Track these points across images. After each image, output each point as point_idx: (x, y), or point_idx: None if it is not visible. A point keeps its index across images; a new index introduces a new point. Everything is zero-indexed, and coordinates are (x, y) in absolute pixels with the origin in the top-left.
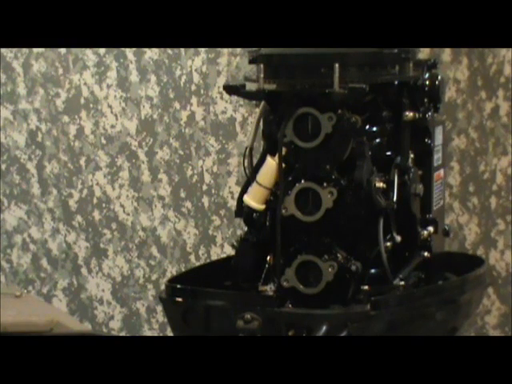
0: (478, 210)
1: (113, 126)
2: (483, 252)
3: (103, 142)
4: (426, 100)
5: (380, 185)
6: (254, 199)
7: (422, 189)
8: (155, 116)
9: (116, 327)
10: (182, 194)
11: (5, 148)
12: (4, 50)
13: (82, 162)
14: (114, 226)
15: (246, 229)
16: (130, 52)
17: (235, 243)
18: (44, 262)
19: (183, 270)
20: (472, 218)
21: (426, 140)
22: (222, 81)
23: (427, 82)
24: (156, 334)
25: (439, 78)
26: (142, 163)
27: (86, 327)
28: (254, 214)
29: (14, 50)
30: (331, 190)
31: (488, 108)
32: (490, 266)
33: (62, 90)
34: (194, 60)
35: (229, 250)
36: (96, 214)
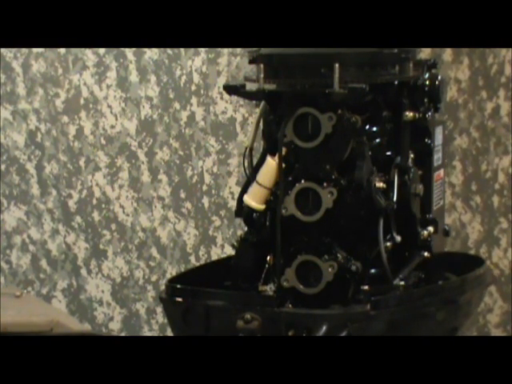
0: (480, 208)
1: (112, 127)
2: (486, 250)
3: (103, 142)
4: (425, 100)
5: (380, 185)
6: (254, 199)
7: (422, 189)
8: (155, 116)
9: (116, 328)
10: (182, 195)
11: (4, 148)
12: (3, 50)
13: (82, 162)
14: (113, 226)
15: (246, 229)
16: (129, 52)
17: (235, 243)
18: (43, 263)
19: (183, 270)
20: (475, 217)
21: (426, 140)
22: (222, 81)
23: (427, 82)
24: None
25: (439, 77)
26: (142, 164)
27: (86, 327)
28: (254, 214)
29: (14, 50)
30: (331, 190)
31: (489, 108)
32: (493, 264)
33: (62, 91)
34: (194, 60)
35: (229, 251)
36: (96, 215)
